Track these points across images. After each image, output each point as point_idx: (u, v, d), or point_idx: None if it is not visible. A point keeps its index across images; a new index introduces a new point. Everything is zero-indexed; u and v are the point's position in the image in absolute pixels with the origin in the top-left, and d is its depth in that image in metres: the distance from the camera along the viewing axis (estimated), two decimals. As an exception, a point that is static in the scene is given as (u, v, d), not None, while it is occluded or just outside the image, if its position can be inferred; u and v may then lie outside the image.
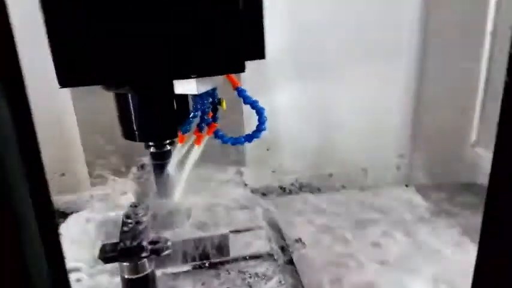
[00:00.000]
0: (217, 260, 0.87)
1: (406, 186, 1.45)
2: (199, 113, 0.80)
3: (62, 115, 1.24)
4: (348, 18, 1.33)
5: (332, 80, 1.41)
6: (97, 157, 1.20)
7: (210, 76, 0.73)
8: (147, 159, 0.92)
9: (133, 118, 0.78)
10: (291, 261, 0.95)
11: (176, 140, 0.83)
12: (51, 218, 0.34)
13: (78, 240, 0.89)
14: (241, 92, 0.83)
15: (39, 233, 0.32)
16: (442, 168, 1.49)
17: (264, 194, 1.35)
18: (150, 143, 0.84)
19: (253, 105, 0.84)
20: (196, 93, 0.73)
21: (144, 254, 0.71)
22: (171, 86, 0.72)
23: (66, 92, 1.19)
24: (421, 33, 1.37)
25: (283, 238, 1.02)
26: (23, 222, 0.31)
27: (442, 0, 1.34)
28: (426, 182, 1.47)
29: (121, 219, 0.77)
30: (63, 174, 1.29)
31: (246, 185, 1.12)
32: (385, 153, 1.53)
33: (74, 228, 0.92)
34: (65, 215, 1.04)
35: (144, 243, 0.71)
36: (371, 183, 1.49)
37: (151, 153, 0.86)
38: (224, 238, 0.88)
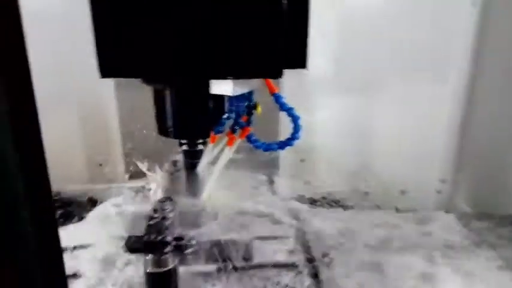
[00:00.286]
0: (241, 265, 0.86)
1: (446, 212, 1.38)
2: (233, 115, 0.80)
3: (104, 109, 1.30)
4: (396, 34, 1.30)
5: (375, 96, 1.38)
6: (134, 151, 1.23)
7: (246, 79, 0.73)
8: (179, 157, 0.93)
9: (168, 115, 0.79)
10: (316, 275, 0.92)
11: (208, 140, 0.83)
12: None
13: (102, 228, 0.92)
14: (278, 99, 0.83)
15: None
16: (486, 197, 1.40)
17: (293, 205, 1.32)
18: (183, 141, 0.85)
19: (289, 112, 0.83)
20: (231, 94, 0.73)
21: (167, 249, 0.72)
22: (208, 86, 0.73)
23: (110, 87, 1.24)
24: (473, 53, 1.32)
25: (309, 250, 0.99)
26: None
27: (496, 17, 1.27)
28: (468, 210, 1.39)
29: (149, 213, 0.78)
30: (100, 165, 1.34)
31: (276, 193, 1.10)
32: (425, 177, 1.46)
33: (101, 217, 0.96)
34: (94, 203, 1.08)
35: (169, 239, 0.72)
36: (408, 206, 1.43)
37: (184, 151, 0.87)
38: (249, 243, 0.87)
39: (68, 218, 1.02)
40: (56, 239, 0.34)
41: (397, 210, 1.39)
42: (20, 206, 0.31)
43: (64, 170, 1.27)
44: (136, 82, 0.80)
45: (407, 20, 1.29)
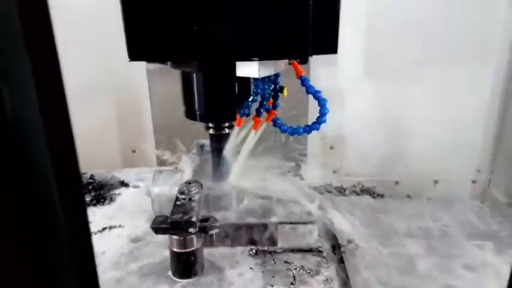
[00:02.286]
0: (265, 248, 0.87)
1: (481, 202, 1.33)
2: (258, 98, 0.80)
3: (138, 97, 1.33)
4: (430, 19, 1.25)
5: (407, 82, 1.34)
6: (165, 138, 1.26)
7: (272, 60, 0.73)
8: (206, 141, 0.94)
9: (195, 97, 0.80)
10: (341, 260, 0.91)
11: (235, 123, 0.84)
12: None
13: (131, 209, 0.95)
14: (304, 81, 0.82)
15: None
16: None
17: (321, 192, 1.31)
18: (210, 125, 0.86)
19: (316, 95, 0.82)
20: (257, 76, 0.73)
21: (192, 230, 0.73)
22: (234, 68, 0.73)
23: (143, 74, 1.27)
24: (514, 38, 1.25)
25: (335, 237, 0.98)
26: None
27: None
28: (503, 200, 1.33)
29: (176, 195, 0.80)
30: (133, 151, 1.38)
31: (303, 179, 1.10)
32: (460, 166, 1.41)
33: (131, 199, 0.99)
34: (126, 186, 1.11)
35: (194, 219, 0.73)
36: (441, 196, 1.39)
37: (210, 135, 0.88)
38: (273, 227, 0.87)
39: (99, 201, 1.06)
40: (85, 220, 0.35)
41: (429, 200, 1.35)
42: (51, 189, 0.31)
43: (99, 156, 1.32)
44: (167, 69, 0.82)
45: (443, 4, 1.24)
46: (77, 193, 0.35)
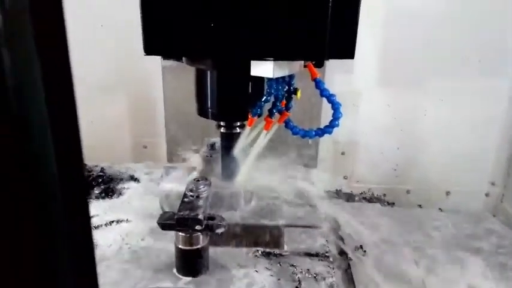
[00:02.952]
0: (271, 250, 0.86)
1: (494, 216, 1.30)
2: (271, 98, 0.79)
3: (152, 95, 1.34)
4: (447, 22, 1.24)
5: (422, 91, 1.32)
6: (176, 135, 1.26)
7: (287, 60, 0.72)
8: (217, 140, 0.94)
9: (208, 95, 0.80)
10: (348, 267, 0.90)
11: (246, 123, 0.83)
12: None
13: (139, 204, 0.95)
14: (318, 84, 0.81)
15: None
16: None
17: (331, 198, 1.30)
18: (221, 123, 0.86)
19: (330, 98, 0.81)
20: (271, 76, 0.72)
21: (198, 227, 0.72)
22: (248, 67, 0.73)
23: (158, 71, 1.27)
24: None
25: (343, 242, 0.97)
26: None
27: None
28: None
29: (184, 192, 0.79)
30: (145, 147, 1.39)
31: (313, 184, 1.09)
32: (473, 178, 1.39)
33: (140, 194, 0.99)
34: (135, 181, 1.12)
35: (201, 217, 0.72)
36: (452, 207, 1.36)
37: (221, 134, 0.88)
38: (281, 230, 0.87)
39: (108, 194, 1.06)
40: (87, 216, 0.35)
41: (441, 211, 1.33)
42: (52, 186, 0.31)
43: (111, 150, 1.33)
44: (181, 66, 0.82)
45: (461, 13, 1.22)
46: (79, 189, 0.34)
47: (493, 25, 1.23)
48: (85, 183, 0.36)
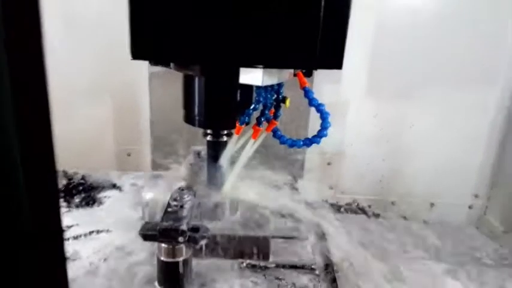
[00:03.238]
0: (256, 262, 0.84)
1: (477, 228, 1.31)
2: (260, 106, 0.78)
3: (137, 103, 1.32)
4: (435, 34, 1.25)
5: (409, 102, 1.33)
6: (161, 143, 1.24)
7: (276, 68, 0.71)
8: (204, 148, 0.91)
9: (195, 102, 0.78)
10: (333, 280, 0.89)
11: (233, 132, 0.81)
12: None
13: (120, 214, 0.92)
14: (307, 93, 0.80)
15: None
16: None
17: (316, 208, 1.29)
18: (208, 131, 0.84)
19: (318, 108, 0.80)
20: (260, 84, 0.71)
21: (181, 238, 0.70)
22: (237, 75, 0.71)
23: (144, 79, 1.25)
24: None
25: (329, 255, 0.96)
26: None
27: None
28: (500, 228, 1.31)
29: (167, 201, 0.77)
30: (128, 155, 1.36)
31: (299, 194, 1.07)
32: (457, 190, 1.40)
33: (121, 203, 0.95)
34: (117, 189, 1.08)
35: (184, 228, 0.70)
36: (436, 219, 1.37)
37: (208, 142, 0.86)
38: (266, 241, 0.85)
39: (88, 203, 1.03)
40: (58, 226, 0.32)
41: (425, 222, 1.33)
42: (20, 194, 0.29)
43: (94, 158, 1.29)
44: (169, 73, 0.80)
45: (449, 26, 1.24)
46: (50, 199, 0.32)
47: (482, 38, 1.24)
48: (57, 194, 0.33)
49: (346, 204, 1.40)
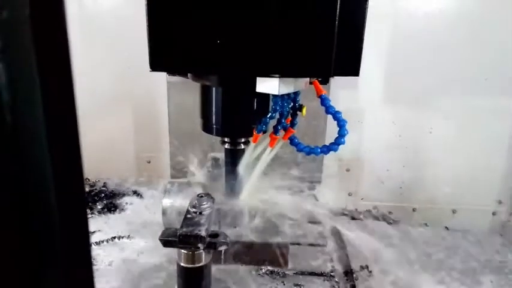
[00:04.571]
0: (275, 269, 0.84)
1: (501, 235, 1.28)
2: (277, 115, 0.79)
3: (157, 110, 1.34)
4: (454, 39, 1.23)
5: (428, 108, 1.31)
6: (180, 151, 1.26)
7: (292, 77, 0.72)
8: (222, 156, 0.93)
9: (213, 111, 0.80)
10: (353, 287, 0.88)
11: (251, 139, 0.82)
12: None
13: (144, 221, 0.93)
14: (324, 101, 0.81)
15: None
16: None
17: (335, 215, 1.29)
18: (226, 139, 0.85)
19: (335, 116, 0.80)
20: (277, 93, 0.72)
21: (201, 245, 0.71)
22: (254, 84, 0.72)
23: (163, 86, 1.27)
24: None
25: (348, 262, 0.95)
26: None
27: None
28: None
29: (186, 208, 0.78)
30: (148, 162, 1.38)
31: (317, 201, 1.07)
32: (480, 197, 1.37)
33: (142, 210, 0.98)
34: (138, 196, 1.11)
35: (203, 234, 0.71)
36: (459, 226, 1.34)
37: (226, 150, 0.87)
38: (285, 248, 0.85)
39: (110, 209, 1.05)
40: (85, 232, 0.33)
41: (447, 229, 1.31)
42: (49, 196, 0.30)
43: (115, 165, 1.32)
44: (187, 83, 0.81)
45: (469, 30, 1.22)
46: (78, 203, 0.33)
47: (500, 43, 1.22)
48: (84, 205, 0.34)
49: (366, 210, 1.39)
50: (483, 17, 1.21)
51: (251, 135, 0.81)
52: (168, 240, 0.73)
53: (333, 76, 0.71)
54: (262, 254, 0.84)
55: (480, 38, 1.22)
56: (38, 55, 0.26)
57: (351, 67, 0.73)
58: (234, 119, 0.80)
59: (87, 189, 1.13)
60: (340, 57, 0.69)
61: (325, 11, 0.66)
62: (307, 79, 0.78)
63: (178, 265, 0.74)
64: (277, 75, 0.69)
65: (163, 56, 0.70)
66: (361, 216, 1.36)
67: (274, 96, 0.76)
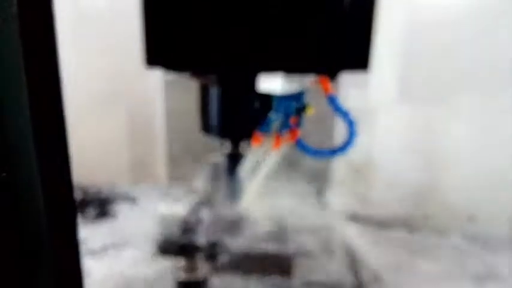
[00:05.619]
0: (279, 281, 0.79)
1: (522, 244, 1.21)
2: (280, 115, 0.74)
3: (152, 113, 1.31)
4: (471, 35, 1.17)
5: (444, 108, 1.26)
6: (177, 154, 1.22)
7: (297, 74, 0.67)
8: (222, 159, 0.88)
9: (212, 112, 0.75)
10: (363, 301, 0.83)
11: (253, 141, 0.78)
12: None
13: (137, 228, 0.89)
14: (332, 101, 0.77)
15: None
16: None
17: (344, 221, 1.23)
18: (226, 142, 0.81)
19: (344, 116, 0.77)
20: (280, 92, 0.68)
21: (199, 255, 0.67)
22: (255, 82, 0.68)
23: (159, 88, 1.24)
24: None
25: (358, 271, 0.90)
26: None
27: None
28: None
29: (185, 216, 0.74)
30: (144, 166, 1.35)
31: (324, 207, 1.02)
32: (498, 203, 1.31)
33: (137, 216, 0.94)
34: (133, 202, 1.07)
35: (202, 243, 0.67)
36: (476, 234, 1.28)
37: (226, 154, 0.82)
38: (290, 258, 0.80)
39: (103, 216, 1.02)
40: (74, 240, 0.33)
41: (464, 236, 1.25)
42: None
43: (108, 170, 1.29)
44: (185, 82, 0.77)
45: (490, 23, 1.16)
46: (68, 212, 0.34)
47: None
48: (74, 212, 0.36)
49: (377, 216, 1.33)
50: (508, 8, 1.15)
51: (252, 137, 0.76)
52: (166, 249, 0.70)
53: (339, 70, 0.66)
54: (265, 265, 0.79)
55: (505, 30, 1.16)
56: (25, 54, 0.26)
57: (360, 60, 0.67)
58: (235, 119, 0.76)
59: (79, 195, 1.09)
60: (347, 49, 0.64)
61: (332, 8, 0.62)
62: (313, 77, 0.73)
63: (176, 275, 0.71)
64: (280, 73, 0.65)
65: (160, 51, 0.66)
66: (372, 222, 1.30)
67: (278, 95, 0.72)
